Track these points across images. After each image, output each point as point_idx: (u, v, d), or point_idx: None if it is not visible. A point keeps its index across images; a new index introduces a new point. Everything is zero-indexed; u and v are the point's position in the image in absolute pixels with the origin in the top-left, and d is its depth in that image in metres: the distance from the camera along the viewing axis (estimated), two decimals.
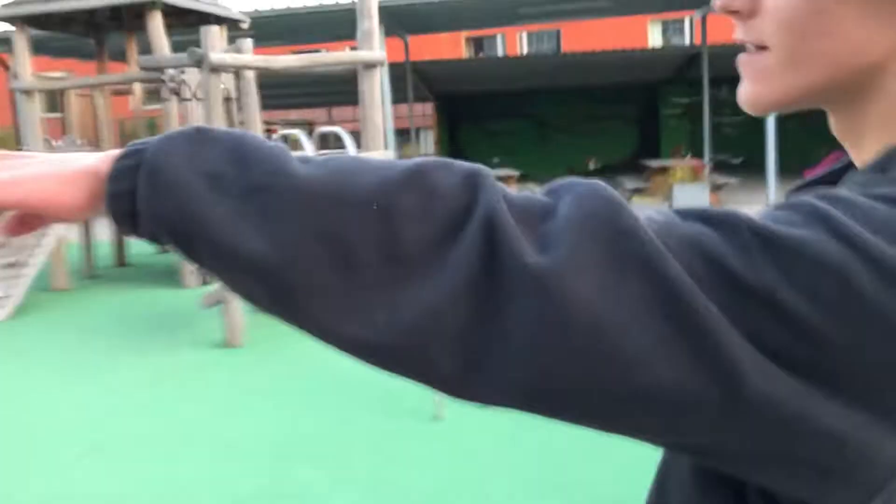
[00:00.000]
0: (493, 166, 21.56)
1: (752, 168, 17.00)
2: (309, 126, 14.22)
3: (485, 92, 22.16)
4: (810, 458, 0.46)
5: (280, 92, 17.22)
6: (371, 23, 7.96)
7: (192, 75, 8.80)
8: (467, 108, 23.17)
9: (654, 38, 24.40)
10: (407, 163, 0.49)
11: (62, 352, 6.85)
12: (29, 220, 0.58)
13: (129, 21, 10.75)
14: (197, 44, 7.19)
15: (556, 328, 0.44)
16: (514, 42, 25.68)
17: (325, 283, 0.47)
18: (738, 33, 0.59)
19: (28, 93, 10.10)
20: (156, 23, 9.80)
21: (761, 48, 0.58)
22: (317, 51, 17.58)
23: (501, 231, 0.45)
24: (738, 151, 19.72)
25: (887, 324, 0.43)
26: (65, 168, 0.54)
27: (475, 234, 0.45)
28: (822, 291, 0.43)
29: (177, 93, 9.21)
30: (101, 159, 0.54)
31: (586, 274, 0.44)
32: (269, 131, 11.13)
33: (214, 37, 7.24)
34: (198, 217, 0.48)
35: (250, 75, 8.41)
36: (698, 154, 16.37)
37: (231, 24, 11.32)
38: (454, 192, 0.47)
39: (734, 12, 0.58)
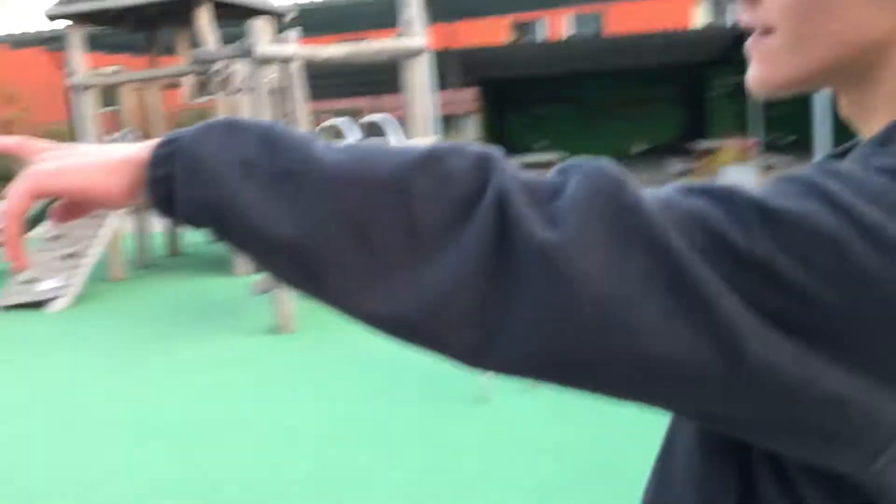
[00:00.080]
0: (536, 151, 21.45)
1: (802, 148, 16.63)
2: (355, 115, 14.30)
3: (528, 77, 22.00)
4: (816, 424, 0.48)
5: (326, 82, 17.32)
6: (414, 10, 7.98)
7: (241, 67, 8.92)
8: (511, 94, 23.02)
9: (699, 18, 23.96)
10: (423, 148, 0.52)
11: (120, 339, 7.03)
12: (74, 207, 0.62)
13: (179, 15, 10.92)
14: (244, 36, 7.29)
15: (564, 302, 0.46)
16: (558, 26, 25.43)
17: (348, 262, 0.50)
18: (745, 17, 0.60)
19: (83, 88, 10.34)
20: (204, 17, 9.96)
21: (767, 31, 0.59)
22: (361, 40, 17.64)
23: (512, 210, 0.47)
24: (788, 131, 19.30)
25: (884, 290, 0.44)
26: (107, 158, 0.58)
27: (487, 213, 0.48)
28: (819, 261, 0.45)
29: (225, 85, 9.36)
30: (140, 149, 0.57)
31: (592, 249, 0.46)
32: (315, 121, 11.23)
33: (261, 29, 7.34)
34: (230, 201, 0.52)
35: (296, 66, 8.50)
36: (747, 135, 16.07)
37: (277, 15, 11.44)
38: (467, 175, 0.50)
39: None
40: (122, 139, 9.97)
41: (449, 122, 19.97)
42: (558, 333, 0.47)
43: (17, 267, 0.59)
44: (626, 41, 18.75)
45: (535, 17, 25.03)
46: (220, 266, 10.01)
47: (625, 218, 0.47)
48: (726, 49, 19.17)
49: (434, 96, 12.70)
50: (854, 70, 0.57)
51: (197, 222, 0.54)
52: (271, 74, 8.25)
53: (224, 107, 9.74)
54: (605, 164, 0.50)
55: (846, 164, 0.50)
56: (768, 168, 13.06)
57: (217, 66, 9.31)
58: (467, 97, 18.09)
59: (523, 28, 25.83)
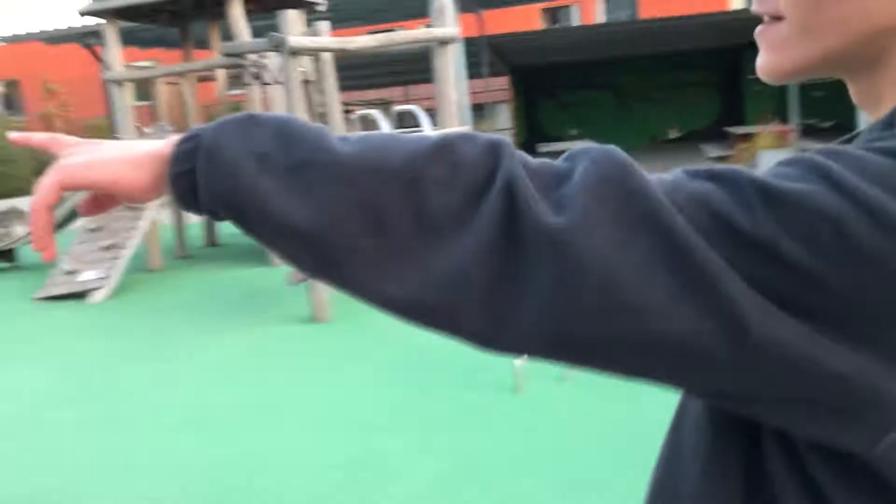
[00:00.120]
0: (571, 139, 21.32)
1: (841, 133, 16.28)
2: (386, 105, 14.36)
3: (561, 63, 21.82)
4: (822, 401, 0.49)
5: (357, 73, 17.39)
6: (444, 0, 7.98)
7: (273, 60, 9.00)
8: (544, 81, 22.86)
9: (735, 1, 23.58)
10: (435, 137, 0.54)
11: (159, 329, 7.17)
12: (102, 200, 0.66)
13: (212, 9, 11.03)
14: (276, 28, 7.35)
15: (572, 283, 0.48)
16: (590, 11, 25.18)
17: (363, 248, 0.52)
18: (755, 5, 0.61)
19: (119, 83, 10.50)
20: (236, 9, 10.04)
21: (776, 18, 0.59)
22: (392, 30, 17.68)
23: (521, 196, 0.49)
24: (827, 116, 18.97)
25: (886, 270, 0.45)
26: (132, 153, 0.61)
27: (497, 199, 0.50)
28: (822, 240, 0.45)
29: (258, 77, 9.44)
30: (164, 144, 0.60)
31: (598, 232, 0.47)
32: (347, 112, 11.30)
33: (293, 21, 7.39)
34: (249, 191, 0.54)
35: (328, 57, 8.54)
36: (785, 119, 15.83)
37: (309, 7, 11.50)
38: (477, 162, 0.52)
39: None
40: (157, 133, 10.11)
41: (481, 110, 19.94)
42: (567, 314, 0.49)
43: (45, 257, 0.62)
44: (660, 25, 18.51)
45: (567, 3, 24.83)
46: (256, 256, 10.12)
47: (631, 202, 0.48)
48: None
49: (465, 85, 12.70)
50: (862, 57, 0.57)
51: (219, 214, 0.57)
52: (303, 66, 8.30)
53: (258, 99, 9.83)
54: (612, 149, 0.51)
55: (850, 147, 0.51)
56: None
57: (250, 58, 9.39)
58: (499, 85, 18.02)
59: (555, 14, 25.65)
